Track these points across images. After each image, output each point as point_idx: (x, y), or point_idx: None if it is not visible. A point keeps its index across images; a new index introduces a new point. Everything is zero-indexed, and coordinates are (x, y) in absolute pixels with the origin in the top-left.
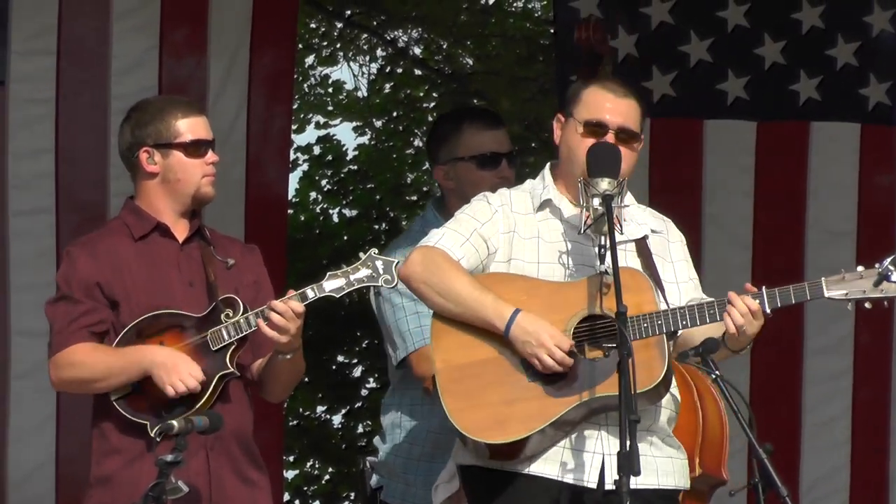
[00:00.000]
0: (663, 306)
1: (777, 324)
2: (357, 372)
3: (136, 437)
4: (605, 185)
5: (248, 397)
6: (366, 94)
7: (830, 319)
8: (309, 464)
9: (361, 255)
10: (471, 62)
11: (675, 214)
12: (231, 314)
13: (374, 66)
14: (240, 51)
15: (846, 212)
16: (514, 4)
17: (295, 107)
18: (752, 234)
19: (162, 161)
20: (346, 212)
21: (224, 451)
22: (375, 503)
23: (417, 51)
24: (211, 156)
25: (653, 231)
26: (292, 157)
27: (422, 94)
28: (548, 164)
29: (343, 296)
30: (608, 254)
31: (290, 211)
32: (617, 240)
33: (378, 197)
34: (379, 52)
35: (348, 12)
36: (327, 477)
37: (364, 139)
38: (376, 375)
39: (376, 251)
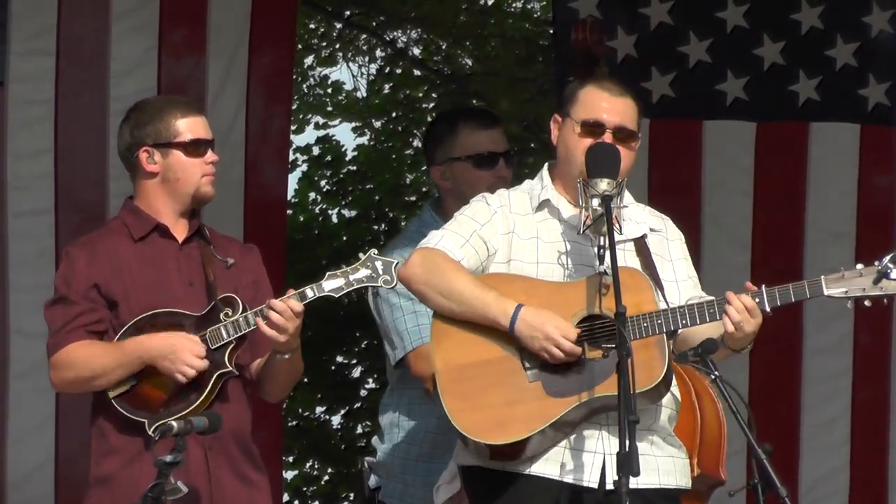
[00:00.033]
0: (663, 305)
1: (776, 324)
2: (356, 372)
3: (134, 435)
4: (604, 185)
5: (247, 397)
6: (365, 95)
7: (830, 319)
8: (308, 464)
9: (361, 255)
10: (470, 63)
11: (674, 215)
12: (230, 313)
13: (374, 67)
14: (239, 51)
15: (845, 212)
16: (514, 5)
17: (294, 107)
18: (752, 234)
19: (161, 161)
20: (346, 212)
21: (223, 451)
22: None
23: (417, 51)
24: (210, 155)
25: (651, 230)
26: (291, 157)
27: (421, 95)
28: (546, 165)
29: (342, 296)
30: (607, 254)
31: (289, 211)
32: (616, 240)
33: (377, 197)
34: (378, 53)
35: (347, 13)
36: (326, 477)
37: (363, 140)
38: (375, 376)
39: (376, 252)
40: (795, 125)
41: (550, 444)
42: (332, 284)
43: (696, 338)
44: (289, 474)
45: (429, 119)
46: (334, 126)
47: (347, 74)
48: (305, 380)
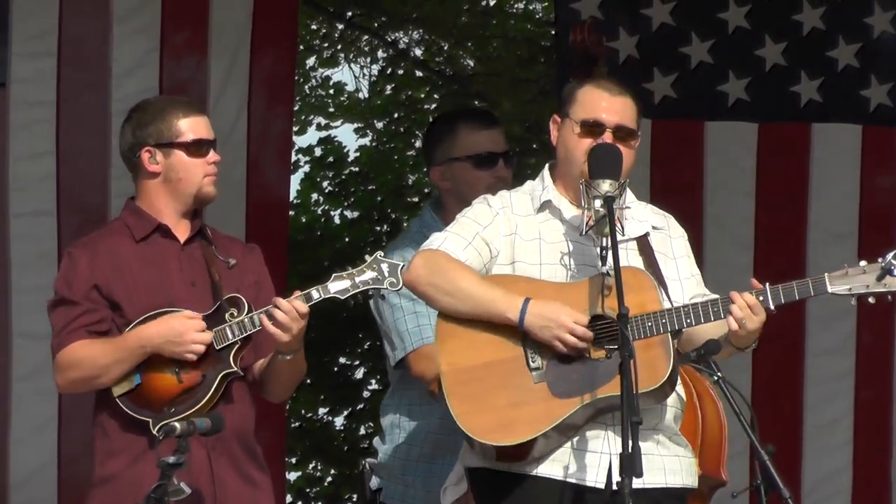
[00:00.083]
0: (667, 304)
1: (779, 324)
2: (359, 373)
3: (137, 434)
4: (606, 186)
5: (251, 398)
6: (367, 96)
7: (832, 319)
8: (311, 465)
9: (367, 257)
10: (472, 64)
11: (676, 215)
12: (236, 313)
13: (375, 68)
14: (240, 52)
15: (847, 213)
16: (516, 6)
17: (296, 108)
18: (754, 235)
19: (164, 161)
20: (348, 213)
21: (226, 452)
22: None
23: (418, 52)
24: (213, 155)
25: (654, 228)
26: (293, 158)
27: (423, 96)
28: (546, 165)
29: (347, 298)
30: (610, 255)
31: (291, 212)
32: (618, 240)
33: (379, 198)
34: (380, 54)
35: (349, 14)
36: (329, 479)
37: (365, 141)
38: (378, 377)
39: (382, 254)
40: (797, 126)
41: (556, 444)
42: (337, 286)
43: (701, 336)
44: (292, 475)
45: (430, 120)
46: (336, 127)
47: (349, 75)
48: (308, 381)
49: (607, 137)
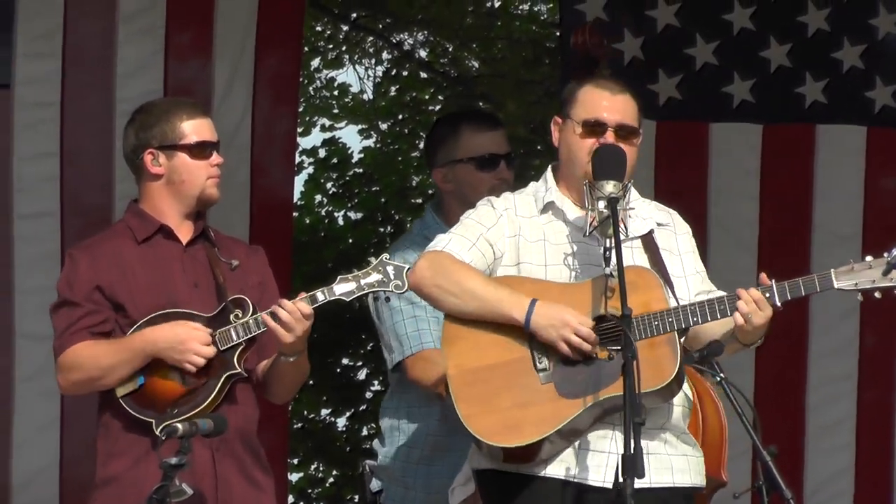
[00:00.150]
0: (673, 303)
1: (782, 326)
2: (362, 374)
3: (141, 434)
4: (610, 187)
5: (255, 399)
6: (371, 97)
7: (835, 321)
8: (313, 466)
9: (372, 259)
10: (476, 65)
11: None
12: (240, 315)
13: (380, 69)
14: (245, 53)
15: (852, 215)
16: (520, 7)
17: (300, 109)
18: (758, 236)
19: (167, 163)
20: (352, 214)
21: (229, 453)
22: None
23: (423, 54)
24: (216, 157)
25: (658, 224)
26: (297, 159)
27: (427, 97)
28: (549, 166)
29: (352, 300)
30: (614, 256)
31: (295, 214)
32: (622, 239)
33: (383, 200)
34: (384, 55)
35: (354, 15)
36: (332, 479)
37: (369, 142)
38: (381, 378)
39: (388, 256)
40: (802, 127)
41: (564, 445)
42: (343, 288)
43: (708, 334)
44: (294, 476)
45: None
46: (340, 128)
47: (354, 77)
48: (311, 382)
49: (609, 137)
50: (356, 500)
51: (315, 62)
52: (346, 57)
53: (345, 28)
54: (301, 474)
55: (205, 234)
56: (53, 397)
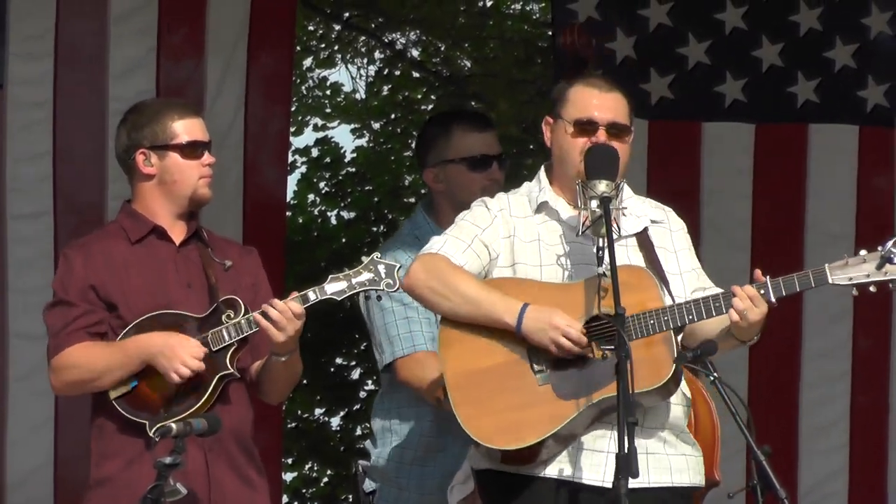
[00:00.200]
0: (669, 301)
1: (775, 327)
2: (355, 374)
3: (134, 436)
4: (602, 187)
5: (248, 399)
6: (364, 97)
7: (829, 322)
8: (307, 466)
9: (364, 258)
10: (469, 64)
11: None
12: (232, 315)
13: (372, 69)
14: (237, 52)
15: (845, 214)
16: (512, 7)
17: (293, 109)
18: (751, 236)
19: (158, 163)
20: (345, 214)
21: (223, 453)
22: None
23: (415, 53)
24: (207, 157)
25: (653, 221)
26: (290, 159)
27: (420, 97)
28: (543, 166)
29: (343, 299)
30: (606, 255)
31: (287, 213)
32: (616, 238)
33: (376, 199)
34: (377, 55)
35: (346, 14)
36: (326, 479)
37: (362, 141)
38: (375, 378)
39: (379, 255)
40: (794, 127)
41: (563, 445)
42: (334, 287)
43: (705, 330)
44: (288, 476)
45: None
46: (333, 128)
47: (346, 76)
48: (304, 381)
49: (601, 135)
50: (350, 501)
51: (307, 61)
52: (339, 56)
53: (337, 27)
54: (295, 474)
55: (198, 235)
56: (47, 397)
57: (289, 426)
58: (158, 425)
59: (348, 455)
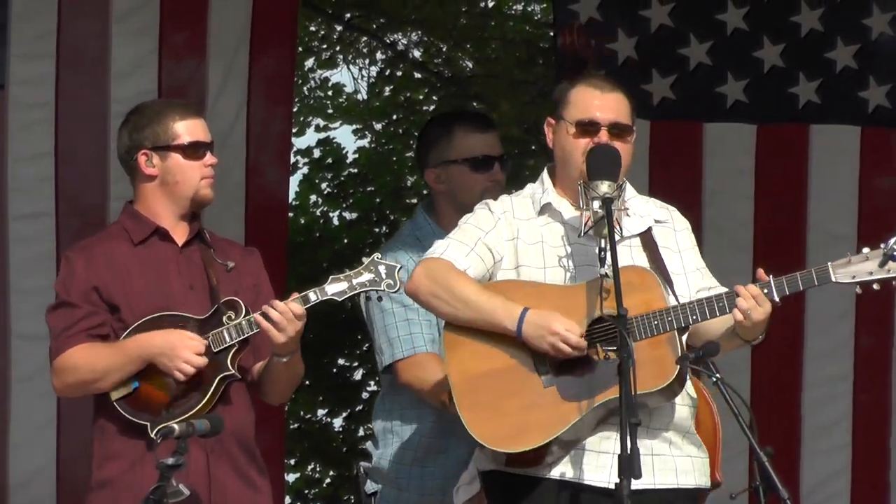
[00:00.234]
0: (673, 302)
1: (777, 327)
2: (358, 375)
3: (136, 437)
4: (604, 187)
5: (250, 400)
6: (365, 97)
7: (831, 322)
8: (310, 467)
9: (364, 259)
10: (470, 65)
11: None
12: (233, 316)
13: (374, 69)
14: (239, 53)
15: (846, 215)
16: (514, 8)
17: (295, 110)
18: (753, 237)
19: (160, 163)
20: (346, 215)
21: (225, 454)
22: None
23: (417, 54)
24: (209, 158)
25: (657, 221)
26: (292, 160)
27: (421, 97)
28: (546, 168)
29: (344, 300)
30: (609, 256)
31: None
32: (618, 239)
33: (378, 200)
34: (379, 55)
35: (348, 15)
36: (328, 480)
37: (364, 142)
38: (377, 379)
39: (379, 255)
40: (796, 127)
41: (568, 448)
42: (334, 288)
43: (710, 330)
44: (290, 477)
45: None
46: (335, 128)
47: (348, 77)
48: (307, 382)
49: (603, 136)
50: (352, 502)
51: (309, 62)
52: (340, 57)
53: (339, 28)
54: (298, 475)
55: (200, 236)
56: (50, 398)
57: (291, 427)
58: (160, 426)
59: (351, 456)
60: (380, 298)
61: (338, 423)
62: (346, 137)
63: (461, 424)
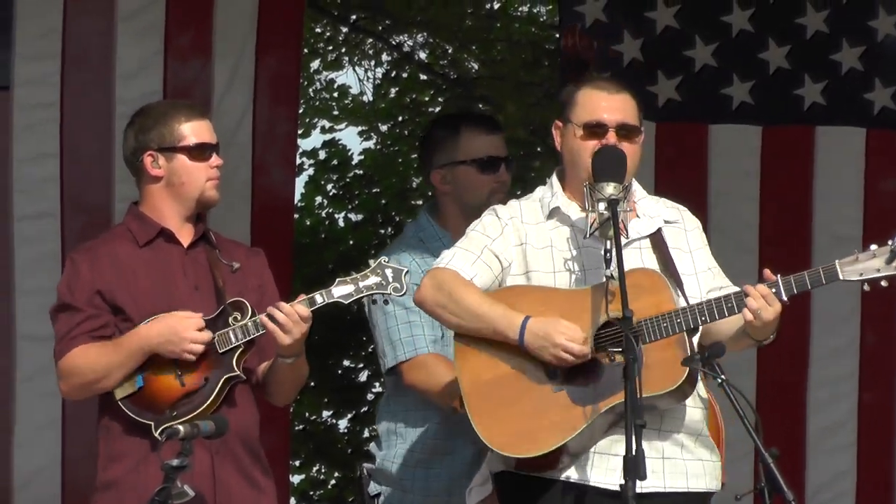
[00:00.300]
0: (682, 303)
1: (783, 328)
2: (363, 376)
3: (141, 437)
4: (610, 189)
5: (255, 401)
6: (371, 99)
7: (836, 322)
8: (315, 468)
9: (371, 261)
10: (476, 67)
11: None
12: (239, 317)
13: (380, 71)
14: (245, 54)
15: (852, 216)
16: (520, 9)
17: (300, 111)
18: (758, 238)
19: (166, 165)
20: (352, 216)
21: (229, 455)
22: None
23: (423, 55)
24: (215, 159)
25: (667, 222)
26: (298, 161)
27: (427, 99)
28: (555, 171)
29: (350, 303)
30: (614, 258)
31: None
32: (630, 238)
33: (384, 201)
34: (384, 57)
35: (353, 17)
36: (333, 481)
37: (369, 144)
38: (382, 380)
39: (386, 259)
40: (801, 129)
41: (580, 451)
42: (341, 291)
43: (721, 331)
44: (296, 478)
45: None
46: (340, 130)
47: (353, 78)
48: (312, 383)
49: (611, 137)
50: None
51: (315, 64)
52: (346, 59)
53: (344, 30)
54: (303, 476)
55: (205, 237)
56: (54, 398)
57: (296, 428)
58: (165, 426)
59: (356, 457)
60: (385, 302)
61: (343, 424)
62: (352, 139)
63: (468, 427)
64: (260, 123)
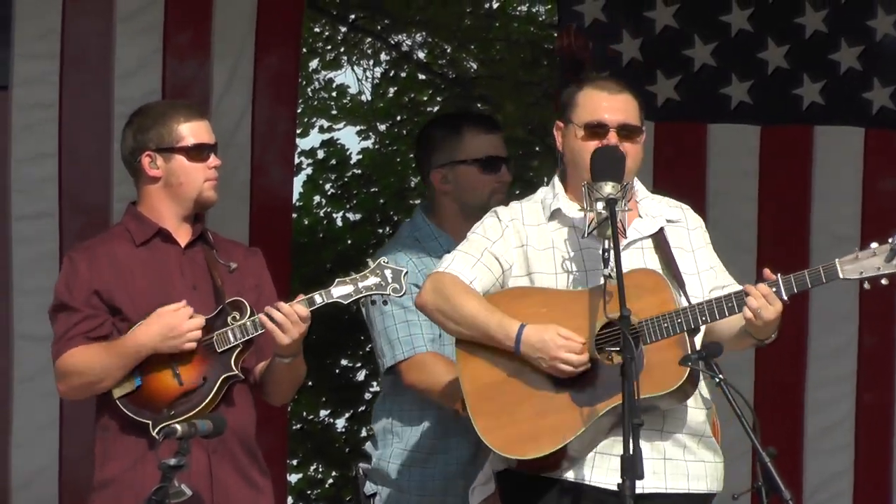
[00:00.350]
0: (684, 303)
1: (781, 328)
2: (360, 376)
3: (138, 436)
4: (608, 188)
5: (252, 400)
6: (370, 98)
7: (834, 322)
8: (312, 467)
9: (370, 262)
10: (475, 66)
11: None
12: (238, 317)
13: (378, 70)
14: (244, 53)
15: (850, 216)
16: (519, 9)
17: (299, 111)
18: (757, 238)
19: (164, 165)
20: (350, 216)
21: (227, 454)
22: None
23: (421, 55)
24: (213, 160)
25: (669, 221)
26: (296, 160)
27: (426, 98)
28: (556, 173)
29: (350, 303)
30: (612, 258)
31: (293, 215)
32: (631, 238)
33: (382, 201)
34: (383, 56)
35: (352, 16)
36: (330, 481)
37: (368, 143)
38: (379, 379)
39: (386, 259)
40: (800, 129)
41: (582, 451)
42: (340, 291)
43: (723, 330)
44: (293, 477)
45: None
46: (339, 129)
47: (352, 78)
48: (310, 383)
49: (612, 137)
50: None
51: (313, 63)
52: (345, 58)
53: (343, 29)
54: (300, 475)
55: (203, 237)
56: (53, 398)
57: (294, 427)
58: (163, 425)
59: (353, 456)
60: (385, 302)
61: (340, 423)
62: (350, 138)
63: (464, 426)
64: (259, 124)
